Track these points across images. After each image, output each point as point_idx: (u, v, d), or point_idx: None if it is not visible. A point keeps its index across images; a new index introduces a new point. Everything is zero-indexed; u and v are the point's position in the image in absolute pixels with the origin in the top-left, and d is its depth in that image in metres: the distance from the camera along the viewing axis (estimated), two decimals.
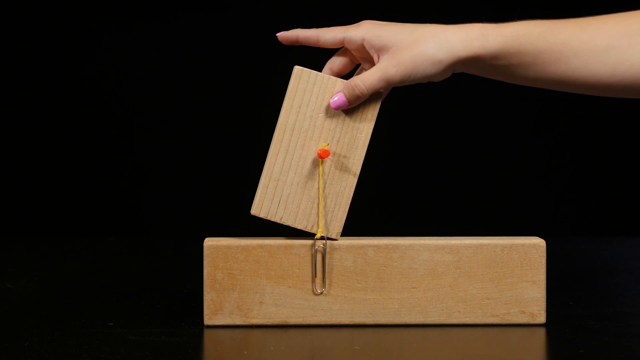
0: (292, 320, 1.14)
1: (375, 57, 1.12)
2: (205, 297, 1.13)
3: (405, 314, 1.14)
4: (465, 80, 1.43)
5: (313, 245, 1.13)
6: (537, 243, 1.15)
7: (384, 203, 2.18)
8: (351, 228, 1.18)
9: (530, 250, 1.14)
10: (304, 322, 1.14)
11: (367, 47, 1.12)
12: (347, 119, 1.14)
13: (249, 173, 1.42)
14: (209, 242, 1.14)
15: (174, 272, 1.56)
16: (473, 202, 2.17)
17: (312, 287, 1.13)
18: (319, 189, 1.14)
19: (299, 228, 1.14)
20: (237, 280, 1.13)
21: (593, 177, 2.18)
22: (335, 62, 1.17)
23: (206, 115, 2.13)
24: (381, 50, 1.11)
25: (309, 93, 1.14)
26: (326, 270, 1.13)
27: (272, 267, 1.13)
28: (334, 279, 1.14)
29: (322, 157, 1.13)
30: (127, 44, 2.11)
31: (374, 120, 1.14)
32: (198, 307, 1.18)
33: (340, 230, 1.15)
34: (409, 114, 2.14)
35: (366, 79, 1.11)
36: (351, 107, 1.14)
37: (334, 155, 1.14)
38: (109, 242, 1.92)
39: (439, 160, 2.18)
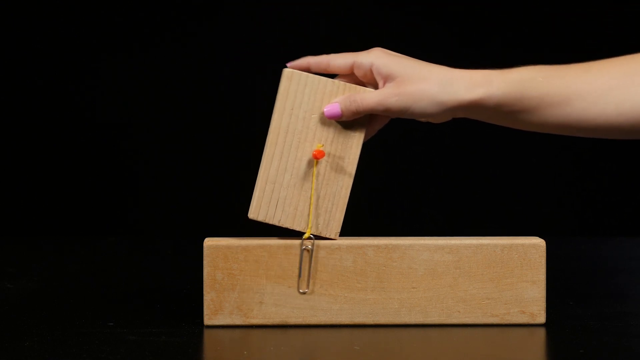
0: (292, 320, 1.14)
1: (380, 84, 1.12)
2: (205, 297, 1.13)
3: (405, 314, 1.14)
4: None
5: (301, 244, 1.13)
6: (537, 243, 1.15)
7: (384, 203, 2.18)
8: (351, 228, 1.18)
9: (530, 250, 1.14)
10: (304, 322, 1.14)
11: (375, 73, 1.12)
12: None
13: (249, 173, 1.42)
14: (209, 242, 1.14)
15: (174, 272, 1.56)
16: (473, 202, 2.17)
17: (297, 287, 1.13)
18: (312, 189, 1.14)
19: (297, 229, 1.14)
20: (237, 280, 1.13)
21: (593, 177, 2.18)
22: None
23: (206, 115, 2.13)
24: (387, 78, 1.12)
25: (300, 95, 1.14)
26: (312, 270, 1.13)
27: (272, 267, 1.13)
28: (334, 279, 1.14)
29: (317, 157, 1.13)
30: (127, 44, 2.11)
31: (367, 119, 1.15)
32: (198, 307, 1.18)
33: (339, 230, 1.15)
34: None
35: (365, 98, 1.12)
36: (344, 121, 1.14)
37: (328, 156, 1.14)
38: (109, 242, 1.92)
39: (439, 160, 2.17)
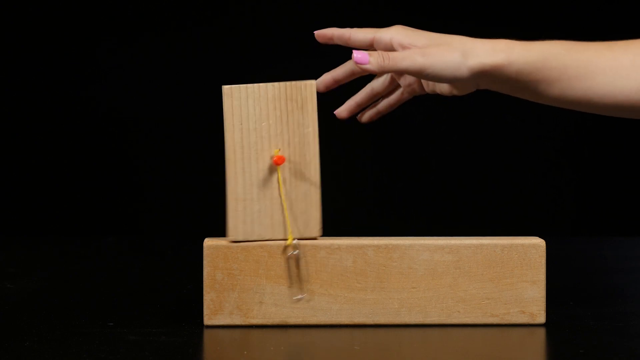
0: (292, 320, 1.14)
1: None
2: (205, 297, 1.13)
3: (405, 314, 1.14)
4: None
5: (284, 251, 1.13)
6: (537, 243, 1.15)
7: (384, 203, 2.18)
8: (351, 228, 1.18)
9: (530, 250, 1.14)
10: (303, 322, 1.14)
11: (395, 45, 1.12)
12: (290, 119, 1.13)
13: None
14: (208, 242, 1.14)
15: (174, 272, 1.56)
16: (473, 202, 2.17)
17: (290, 295, 1.13)
18: (281, 195, 1.13)
19: (279, 239, 1.14)
20: (237, 280, 1.13)
21: (593, 177, 2.18)
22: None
23: (207, 115, 2.13)
24: (409, 47, 1.12)
25: (245, 108, 1.13)
26: (303, 275, 1.13)
27: (272, 267, 1.13)
28: (334, 279, 1.14)
29: (277, 163, 1.12)
30: (127, 44, 2.11)
31: (316, 111, 1.14)
32: (198, 307, 1.18)
33: (320, 227, 1.14)
34: (408, 113, 2.14)
35: (393, 55, 1.11)
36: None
37: (289, 159, 1.13)
38: (109, 242, 1.92)
39: (439, 160, 2.17)
